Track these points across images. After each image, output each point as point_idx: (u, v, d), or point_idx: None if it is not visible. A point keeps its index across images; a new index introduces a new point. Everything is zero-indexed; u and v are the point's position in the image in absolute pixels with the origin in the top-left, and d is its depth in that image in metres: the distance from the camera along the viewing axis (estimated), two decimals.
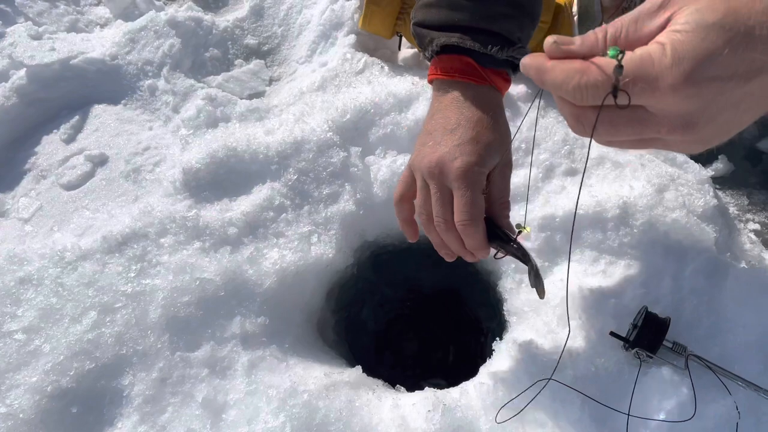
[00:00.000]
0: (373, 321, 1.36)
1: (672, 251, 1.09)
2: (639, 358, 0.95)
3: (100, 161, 1.33)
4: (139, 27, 1.48)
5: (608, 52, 0.48)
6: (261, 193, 1.18)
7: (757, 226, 1.32)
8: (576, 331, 1.06)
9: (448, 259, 0.86)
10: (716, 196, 1.22)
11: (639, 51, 0.47)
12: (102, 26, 1.65)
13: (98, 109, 1.42)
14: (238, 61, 1.55)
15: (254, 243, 1.13)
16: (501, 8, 0.79)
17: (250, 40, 1.58)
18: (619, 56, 0.47)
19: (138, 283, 1.07)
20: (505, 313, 1.16)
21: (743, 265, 1.10)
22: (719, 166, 1.37)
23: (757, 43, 0.45)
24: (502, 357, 1.05)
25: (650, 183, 1.15)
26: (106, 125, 1.40)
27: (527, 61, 0.53)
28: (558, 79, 0.50)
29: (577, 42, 0.51)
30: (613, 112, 0.49)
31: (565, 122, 1.28)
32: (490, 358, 1.08)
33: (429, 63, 0.86)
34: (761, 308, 1.02)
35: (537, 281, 0.84)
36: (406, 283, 1.40)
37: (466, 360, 1.15)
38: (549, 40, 0.51)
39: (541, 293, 0.86)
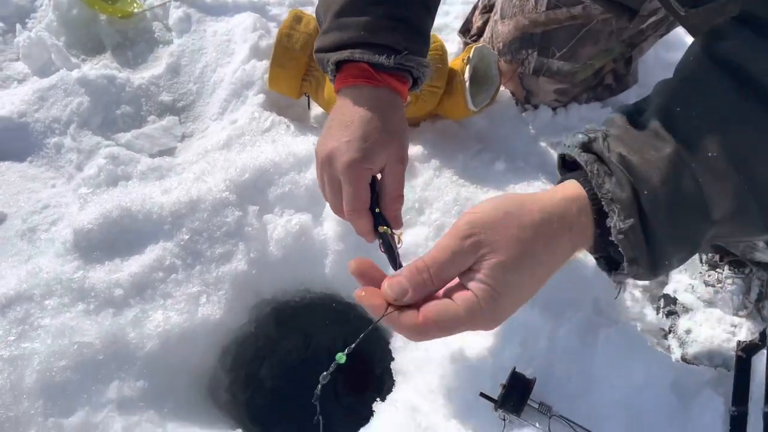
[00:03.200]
0: (270, 379, 1.36)
1: (549, 310, 1.12)
2: (503, 419, 0.97)
3: None
4: (48, 85, 1.50)
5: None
6: (152, 253, 1.19)
7: (645, 283, 1.36)
8: (454, 391, 1.08)
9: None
10: None
11: (464, 306, 0.61)
12: (20, 81, 1.67)
13: (2, 167, 1.42)
14: (151, 118, 1.58)
15: (140, 305, 1.13)
16: (385, 23, 0.87)
17: (165, 97, 1.61)
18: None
19: (17, 347, 1.06)
20: (392, 371, 1.17)
21: (617, 323, 1.13)
22: None
23: (536, 280, 0.63)
24: (381, 418, 1.06)
25: None
26: (9, 182, 1.40)
27: (368, 302, 0.63)
28: (403, 327, 0.62)
29: (409, 292, 0.62)
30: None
31: (457, 182, 1.33)
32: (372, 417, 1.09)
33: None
34: (629, 368, 1.06)
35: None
36: (306, 339, 1.41)
37: (356, 418, 1.16)
38: (384, 289, 0.63)
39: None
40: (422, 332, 0.62)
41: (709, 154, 0.61)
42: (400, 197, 0.90)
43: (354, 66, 0.87)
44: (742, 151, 0.61)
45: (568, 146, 0.68)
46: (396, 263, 0.87)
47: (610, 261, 0.69)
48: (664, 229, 0.62)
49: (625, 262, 0.64)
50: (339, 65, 0.89)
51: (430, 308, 0.62)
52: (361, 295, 0.64)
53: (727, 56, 0.63)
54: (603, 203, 0.63)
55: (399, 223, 0.91)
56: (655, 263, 0.64)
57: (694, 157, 0.62)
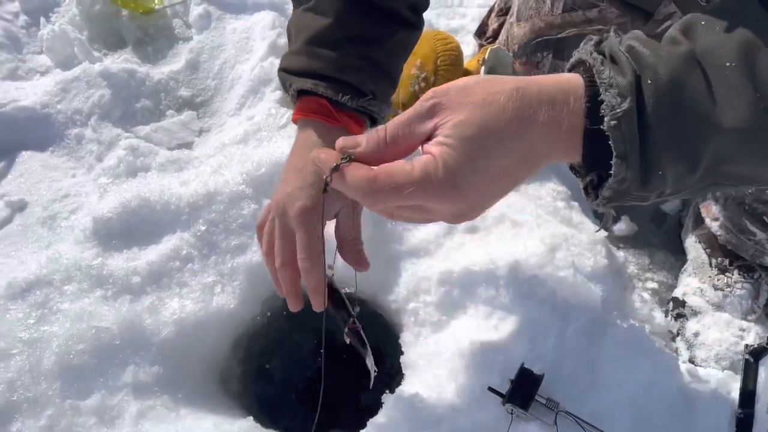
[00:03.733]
0: (280, 371, 1.38)
1: (558, 309, 1.14)
2: (511, 413, 0.99)
3: (19, 207, 1.36)
4: (71, 77, 1.53)
5: (341, 159, 0.60)
6: (170, 243, 1.21)
7: (655, 285, 1.37)
8: (463, 385, 1.10)
9: (288, 298, 0.88)
10: (609, 256, 1.27)
11: (419, 165, 0.57)
12: (42, 74, 1.70)
13: (25, 156, 1.46)
14: (169, 112, 1.60)
15: (156, 292, 1.15)
16: (354, 61, 0.84)
17: (184, 92, 1.64)
18: (342, 162, 0.60)
19: (36, 330, 1.09)
20: (402, 365, 1.19)
21: (625, 324, 1.14)
22: (622, 226, 1.44)
23: (504, 151, 0.57)
24: (389, 410, 1.08)
25: (543, 242, 1.21)
26: (30, 171, 1.43)
27: (319, 158, 0.62)
28: (351, 186, 0.60)
29: (363, 144, 0.61)
30: (404, 206, 0.61)
31: None
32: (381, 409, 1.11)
33: None
34: (635, 367, 1.07)
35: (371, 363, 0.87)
36: (318, 333, 1.43)
37: (367, 410, 1.17)
38: (338, 143, 0.62)
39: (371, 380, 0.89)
40: (374, 190, 0.58)
41: (727, 64, 0.55)
42: (355, 240, 0.88)
43: (315, 99, 0.84)
44: (764, 71, 0.55)
45: (580, 50, 0.62)
46: (366, 351, 0.86)
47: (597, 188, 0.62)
48: (662, 126, 0.56)
49: (614, 159, 0.57)
50: (300, 93, 0.87)
51: (385, 165, 0.59)
52: (316, 155, 0.63)
53: None
54: (600, 89, 0.56)
55: (363, 264, 0.88)
56: (647, 167, 0.57)
57: (709, 62, 0.56)
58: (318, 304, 0.82)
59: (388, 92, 0.91)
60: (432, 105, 0.59)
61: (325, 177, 0.61)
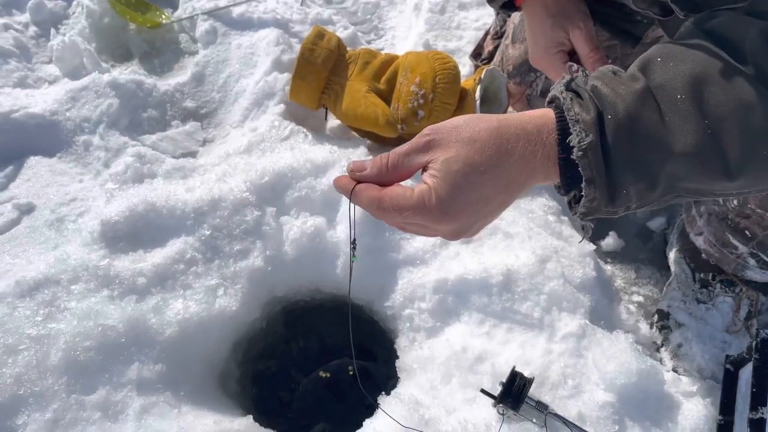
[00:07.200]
0: (277, 374, 1.42)
1: (548, 317, 1.19)
2: (501, 413, 1.03)
3: (28, 210, 1.40)
4: (81, 86, 1.58)
5: None
6: (174, 246, 1.25)
7: (641, 299, 1.42)
8: (457, 388, 1.14)
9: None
10: (597, 269, 1.33)
11: (416, 193, 0.67)
12: (51, 83, 1.75)
13: (33, 161, 1.50)
14: (174, 122, 1.65)
15: (161, 293, 1.19)
16: None
17: (189, 104, 1.69)
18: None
19: (44, 327, 1.12)
20: (397, 369, 1.23)
21: (611, 333, 1.19)
22: (610, 241, 1.49)
23: (486, 180, 0.67)
24: (385, 411, 1.12)
25: (534, 253, 1.26)
26: (38, 176, 1.47)
27: (338, 183, 0.72)
28: (363, 204, 0.70)
29: (368, 169, 0.71)
30: (408, 222, 0.70)
31: None
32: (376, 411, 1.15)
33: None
34: (621, 374, 1.11)
35: None
36: (315, 338, 1.47)
37: (362, 411, 1.21)
38: (349, 167, 0.72)
39: None
40: (380, 207, 0.68)
41: (678, 96, 0.65)
42: (593, 50, 1.06)
43: None
44: (711, 101, 0.64)
45: (554, 87, 0.71)
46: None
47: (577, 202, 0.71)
48: (622, 154, 0.65)
49: (583, 183, 0.66)
50: None
51: (389, 188, 0.69)
52: (336, 179, 0.73)
53: (712, 26, 0.70)
54: (569, 123, 0.66)
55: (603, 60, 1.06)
56: (612, 188, 0.67)
57: (662, 96, 0.66)
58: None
59: None
60: (427, 141, 0.69)
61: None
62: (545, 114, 0.70)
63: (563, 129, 0.67)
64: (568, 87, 0.70)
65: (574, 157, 0.66)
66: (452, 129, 0.69)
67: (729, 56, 0.66)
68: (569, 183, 0.69)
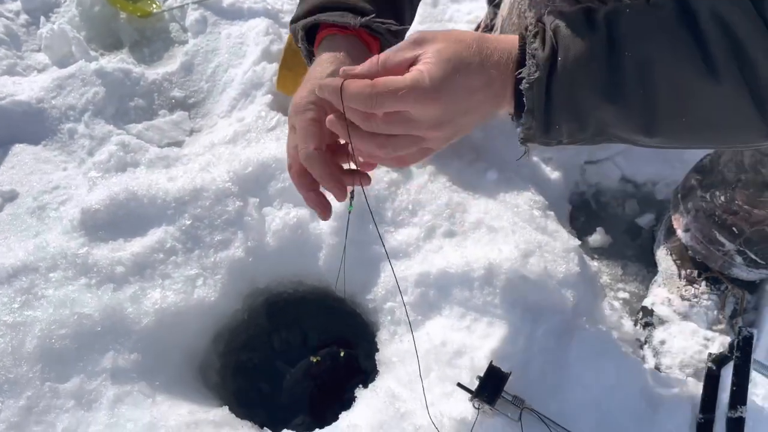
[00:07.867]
0: (258, 366, 1.41)
1: (529, 312, 1.17)
2: (477, 408, 1.02)
3: (10, 197, 1.39)
4: (67, 74, 1.57)
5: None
6: (155, 235, 1.24)
7: (626, 295, 1.41)
8: (434, 382, 1.13)
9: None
10: (582, 264, 1.31)
11: (410, 75, 0.71)
12: (40, 71, 1.74)
13: (18, 148, 1.49)
14: (162, 112, 1.64)
15: (139, 282, 1.18)
16: None
17: (177, 93, 1.68)
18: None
19: (20, 314, 1.12)
20: (377, 362, 1.22)
21: (594, 329, 1.18)
22: (597, 237, 1.48)
23: (471, 72, 0.72)
24: (363, 405, 1.11)
25: (517, 248, 1.25)
26: (22, 163, 1.47)
27: (324, 83, 0.72)
28: (353, 94, 0.70)
29: (359, 67, 0.74)
30: (393, 119, 0.72)
31: (450, 188, 1.39)
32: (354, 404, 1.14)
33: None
34: (601, 370, 1.11)
35: None
36: (297, 330, 1.46)
37: (341, 404, 1.20)
38: (340, 71, 0.73)
39: None
40: (373, 95, 0.70)
41: (626, 53, 0.70)
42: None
43: (323, 29, 0.88)
44: (657, 67, 0.70)
45: (530, 20, 0.78)
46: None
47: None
48: (562, 93, 0.72)
49: (525, 111, 0.74)
50: (310, 35, 0.90)
51: (381, 78, 0.72)
52: (321, 82, 0.72)
53: None
54: (526, 55, 0.73)
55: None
56: (548, 123, 0.74)
57: (613, 50, 0.71)
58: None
59: (395, 15, 0.92)
60: (417, 37, 0.74)
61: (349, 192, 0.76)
62: (514, 42, 0.76)
63: (522, 60, 0.74)
64: (539, 22, 0.76)
65: (521, 87, 0.73)
66: (438, 31, 0.75)
67: (686, 22, 0.69)
68: (518, 106, 0.76)
